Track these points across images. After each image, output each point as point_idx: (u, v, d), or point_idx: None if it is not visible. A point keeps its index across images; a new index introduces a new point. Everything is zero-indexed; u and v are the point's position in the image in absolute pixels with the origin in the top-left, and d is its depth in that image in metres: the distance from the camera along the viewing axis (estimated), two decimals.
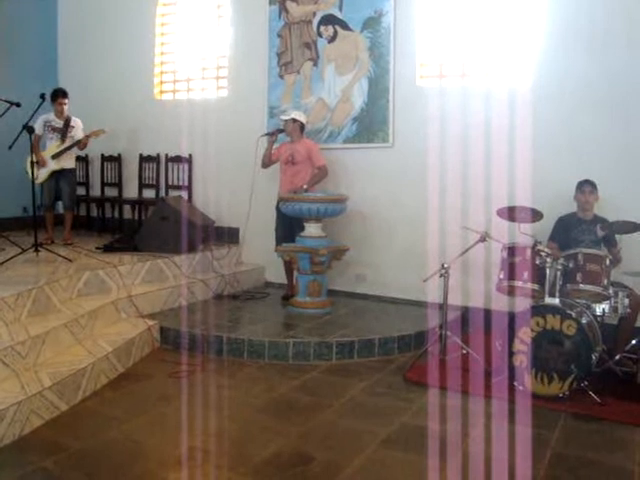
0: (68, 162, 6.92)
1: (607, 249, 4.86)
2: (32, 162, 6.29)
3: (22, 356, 3.98)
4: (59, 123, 6.86)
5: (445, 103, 6.13)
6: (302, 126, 6.41)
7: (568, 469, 3.33)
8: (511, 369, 4.36)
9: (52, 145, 6.80)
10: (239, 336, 5.13)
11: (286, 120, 6.40)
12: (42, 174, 6.74)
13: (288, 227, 6.30)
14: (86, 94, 8.49)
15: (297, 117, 6.38)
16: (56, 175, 6.83)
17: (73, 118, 7.00)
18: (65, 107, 6.91)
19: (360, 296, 6.65)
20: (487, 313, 5.62)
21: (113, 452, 3.43)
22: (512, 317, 4.47)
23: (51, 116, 6.86)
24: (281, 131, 6.49)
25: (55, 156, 6.73)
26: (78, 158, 8.45)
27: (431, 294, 5.75)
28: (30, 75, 7.65)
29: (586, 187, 5.13)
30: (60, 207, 7.23)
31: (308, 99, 6.94)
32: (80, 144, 6.88)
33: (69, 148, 6.82)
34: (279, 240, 6.38)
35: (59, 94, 6.90)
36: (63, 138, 6.83)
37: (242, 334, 5.18)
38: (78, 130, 6.95)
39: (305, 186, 6.07)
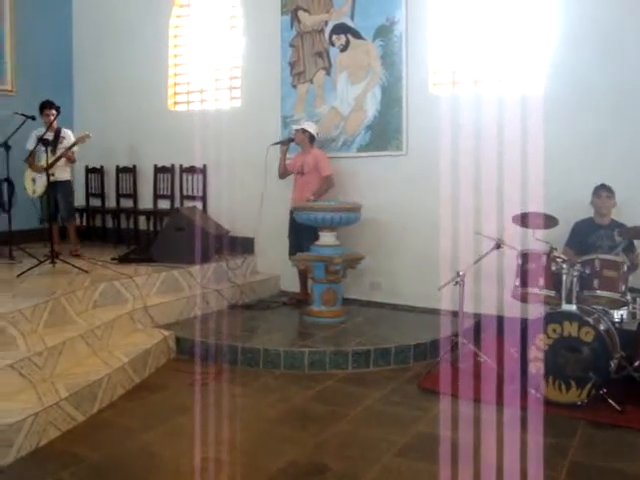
0: (62, 174, 6.84)
1: (625, 255, 4.81)
2: (34, 177, 6.45)
3: (39, 367, 4.01)
4: (49, 135, 6.68)
5: (458, 110, 6.10)
6: (312, 137, 6.45)
7: (587, 478, 3.29)
8: (527, 376, 4.32)
9: (44, 158, 6.52)
10: (254, 346, 5.13)
11: (297, 130, 6.47)
12: (39, 188, 6.69)
13: (298, 235, 6.37)
14: (101, 106, 8.59)
15: (307, 128, 6.44)
16: (52, 187, 6.61)
17: (63, 129, 6.95)
18: (52, 118, 6.73)
19: (375, 304, 6.62)
20: (501, 320, 5.59)
21: (130, 463, 3.44)
22: (527, 324, 4.43)
23: (42, 129, 6.68)
24: (291, 140, 6.56)
25: (47, 168, 6.44)
26: (94, 170, 8.59)
27: (446, 301, 5.71)
28: (45, 89, 7.71)
29: (602, 192, 5.10)
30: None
31: (321, 108, 6.96)
32: (67, 156, 6.76)
33: (59, 158, 6.68)
34: (291, 247, 6.47)
35: (45, 106, 6.81)
36: (54, 150, 6.71)
37: (257, 344, 5.18)
38: (69, 141, 6.85)
39: (312, 197, 6.09)
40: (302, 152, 6.52)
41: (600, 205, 5.12)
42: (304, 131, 6.43)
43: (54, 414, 3.69)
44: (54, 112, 6.73)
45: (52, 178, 6.52)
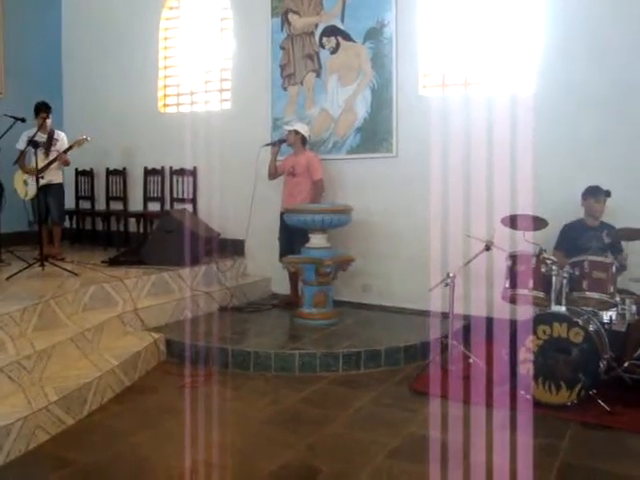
0: (54, 176, 6.81)
1: (613, 256, 4.84)
2: (26, 179, 6.52)
3: (28, 371, 3.99)
4: (42, 137, 6.68)
5: (448, 112, 6.13)
6: (304, 139, 6.45)
7: (577, 479, 3.31)
8: (518, 378, 4.34)
9: (34, 160, 6.31)
10: (245, 348, 5.12)
11: (289, 131, 6.47)
12: (31, 190, 6.61)
13: (289, 237, 6.36)
14: (90, 108, 8.57)
15: (299, 129, 6.43)
16: (44, 190, 6.63)
17: (57, 131, 6.94)
18: (48, 121, 6.74)
19: (366, 306, 6.62)
20: (491, 322, 5.60)
21: (120, 466, 3.43)
22: (517, 326, 4.45)
23: (34, 131, 6.57)
24: (282, 141, 6.57)
25: (40, 170, 6.39)
26: (83, 172, 8.57)
27: (436, 303, 5.71)
28: (35, 91, 7.66)
29: (601, 196, 5.09)
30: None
31: (311, 110, 6.96)
32: (62, 159, 6.76)
33: (53, 161, 6.69)
34: (282, 249, 6.45)
35: (42, 108, 6.75)
36: (47, 152, 6.71)
37: (248, 346, 5.17)
38: (62, 143, 6.85)
39: None
40: (294, 153, 6.52)
41: (597, 209, 5.12)
42: (296, 132, 6.42)
43: (43, 418, 3.67)
44: (49, 115, 6.75)
45: (45, 181, 6.55)
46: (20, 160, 6.65)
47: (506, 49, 6.05)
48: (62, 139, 6.93)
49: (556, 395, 4.20)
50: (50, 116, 6.77)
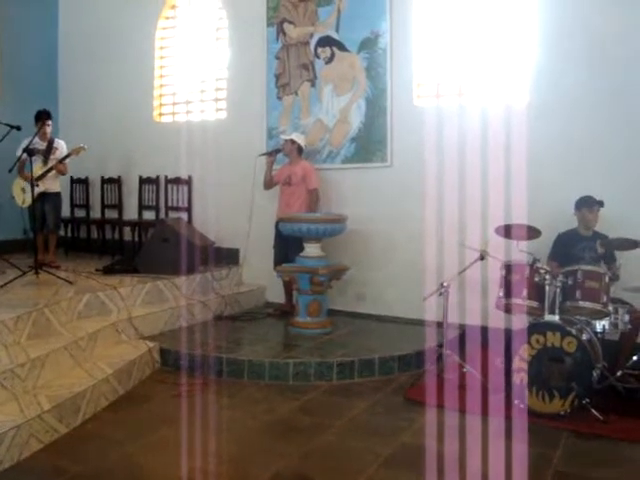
0: (52, 185, 6.82)
1: (606, 265, 4.85)
2: (24, 186, 6.39)
3: (21, 379, 3.97)
4: (42, 145, 6.72)
5: (442, 122, 6.15)
6: (300, 148, 6.47)
7: None
8: (511, 387, 4.34)
9: (35, 167, 6.48)
10: (239, 357, 5.12)
11: (285, 140, 6.49)
12: (28, 198, 6.49)
13: (284, 246, 6.38)
14: (86, 116, 8.57)
15: (295, 139, 6.46)
16: (41, 198, 6.62)
17: (56, 140, 6.95)
18: (48, 129, 6.78)
19: (360, 315, 6.63)
20: (485, 331, 5.60)
21: (114, 475, 3.41)
22: (511, 335, 4.46)
23: (34, 138, 6.56)
24: (279, 151, 6.59)
25: (38, 178, 6.44)
26: (78, 180, 8.56)
27: (431, 312, 5.71)
28: (30, 98, 7.69)
29: (594, 206, 5.11)
30: None
31: (306, 120, 6.98)
32: (57, 168, 6.75)
33: (50, 170, 6.69)
34: (276, 258, 6.46)
35: (43, 116, 6.75)
36: (46, 160, 6.72)
37: (242, 355, 5.17)
38: (62, 152, 6.85)
39: None
40: (290, 163, 6.54)
41: (590, 219, 5.14)
42: (293, 142, 6.45)
43: (36, 426, 3.65)
44: (50, 122, 6.78)
45: (43, 189, 6.56)
46: (19, 167, 6.64)
47: (500, 59, 6.10)
48: (61, 147, 6.93)
49: (549, 404, 4.21)
50: (50, 124, 6.78)
